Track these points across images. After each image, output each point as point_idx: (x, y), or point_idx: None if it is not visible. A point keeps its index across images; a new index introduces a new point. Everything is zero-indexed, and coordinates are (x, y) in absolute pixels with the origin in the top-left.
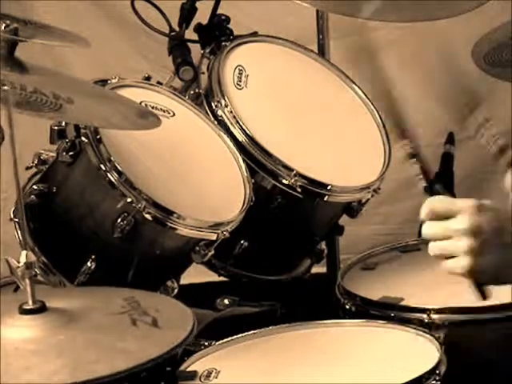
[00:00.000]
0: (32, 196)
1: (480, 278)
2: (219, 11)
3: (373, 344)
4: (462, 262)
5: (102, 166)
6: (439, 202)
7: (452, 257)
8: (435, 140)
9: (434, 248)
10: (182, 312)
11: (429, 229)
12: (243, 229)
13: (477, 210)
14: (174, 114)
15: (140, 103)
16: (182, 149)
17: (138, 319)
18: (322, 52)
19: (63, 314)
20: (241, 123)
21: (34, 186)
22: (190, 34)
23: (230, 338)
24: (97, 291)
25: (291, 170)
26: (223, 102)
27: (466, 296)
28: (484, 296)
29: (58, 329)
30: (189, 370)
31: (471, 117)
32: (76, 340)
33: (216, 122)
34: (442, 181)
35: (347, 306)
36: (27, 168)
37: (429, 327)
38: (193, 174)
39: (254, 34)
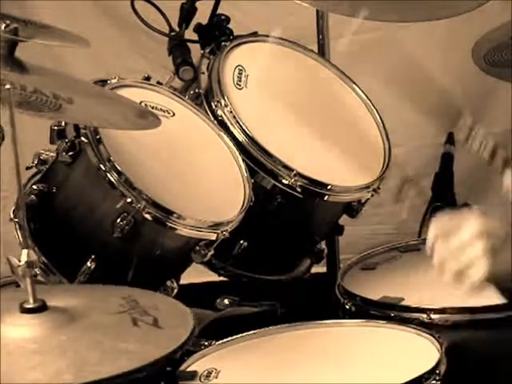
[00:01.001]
0: (32, 196)
1: (501, 278)
2: (219, 11)
3: (373, 344)
4: (482, 267)
5: (102, 166)
6: (445, 221)
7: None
8: (435, 140)
9: (452, 266)
10: (181, 311)
11: (442, 250)
12: (243, 229)
13: (479, 215)
14: (173, 114)
15: (140, 103)
16: (181, 149)
17: (139, 319)
18: (322, 52)
19: (64, 313)
20: (241, 123)
21: (34, 186)
22: (190, 34)
23: (229, 338)
24: (94, 289)
25: (291, 170)
26: (223, 102)
27: (466, 296)
28: (509, 296)
29: (60, 328)
30: (189, 370)
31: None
32: (78, 340)
33: (216, 122)
34: (441, 181)
35: (347, 306)
36: (27, 168)
37: (429, 327)
38: (193, 173)
39: (254, 34)
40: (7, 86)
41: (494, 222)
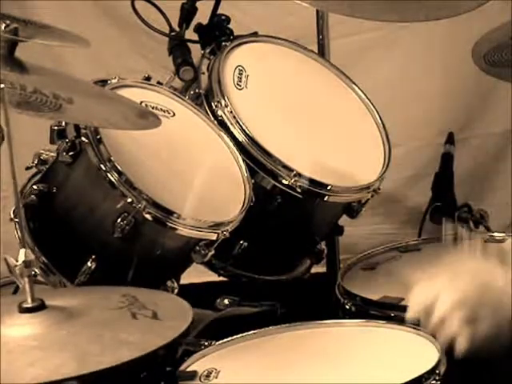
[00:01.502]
0: (32, 196)
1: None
2: (219, 11)
3: (373, 344)
4: (464, 337)
5: (102, 166)
6: (420, 299)
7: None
8: (435, 140)
9: (440, 339)
10: (179, 304)
11: (428, 325)
12: (243, 229)
13: (453, 283)
14: (174, 114)
15: (140, 103)
16: (182, 149)
17: (138, 313)
18: (321, 52)
19: (62, 312)
20: (241, 123)
21: (34, 186)
22: (190, 34)
23: (230, 338)
24: (93, 289)
25: (291, 170)
26: (223, 102)
27: None
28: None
29: (59, 325)
30: (189, 370)
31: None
32: (78, 334)
33: (216, 122)
34: (441, 181)
35: (347, 306)
36: (27, 168)
37: None
38: (193, 173)
39: (254, 34)
40: (1, 86)
41: (464, 288)
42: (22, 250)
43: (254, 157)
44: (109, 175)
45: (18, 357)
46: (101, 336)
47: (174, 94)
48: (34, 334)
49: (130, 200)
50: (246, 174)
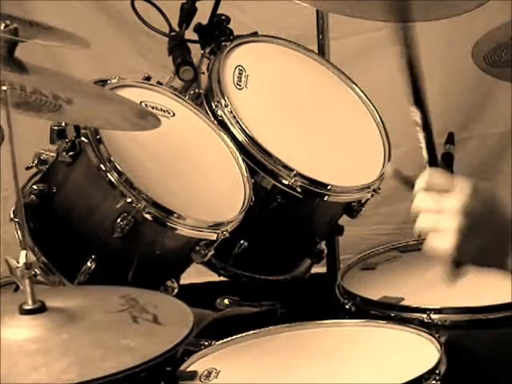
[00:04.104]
0: (32, 196)
1: (461, 259)
2: (219, 11)
3: (373, 344)
4: (449, 239)
5: (102, 166)
6: (439, 176)
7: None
8: (435, 140)
9: (423, 220)
10: (179, 308)
11: (422, 200)
12: (243, 229)
13: (473, 193)
14: (173, 114)
15: (140, 103)
16: (182, 149)
17: (139, 316)
18: (322, 52)
19: (63, 314)
20: (241, 123)
21: (34, 186)
22: (189, 34)
23: (230, 338)
24: (92, 290)
25: (291, 170)
26: (223, 102)
27: (466, 296)
28: (455, 279)
29: (60, 328)
30: (189, 370)
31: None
32: (79, 339)
33: (216, 122)
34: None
35: (347, 306)
36: (27, 168)
37: (429, 327)
38: (193, 173)
39: (254, 34)
40: (4, 88)
41: (478, 202)
42: (23, 252)
43: (254, 157)
44: (109, 175)
45: (19, 360)
46: (102, 340)
47: (174, 94)
48: (35, 336)
49: (129, 200)
50: (246, 174)
